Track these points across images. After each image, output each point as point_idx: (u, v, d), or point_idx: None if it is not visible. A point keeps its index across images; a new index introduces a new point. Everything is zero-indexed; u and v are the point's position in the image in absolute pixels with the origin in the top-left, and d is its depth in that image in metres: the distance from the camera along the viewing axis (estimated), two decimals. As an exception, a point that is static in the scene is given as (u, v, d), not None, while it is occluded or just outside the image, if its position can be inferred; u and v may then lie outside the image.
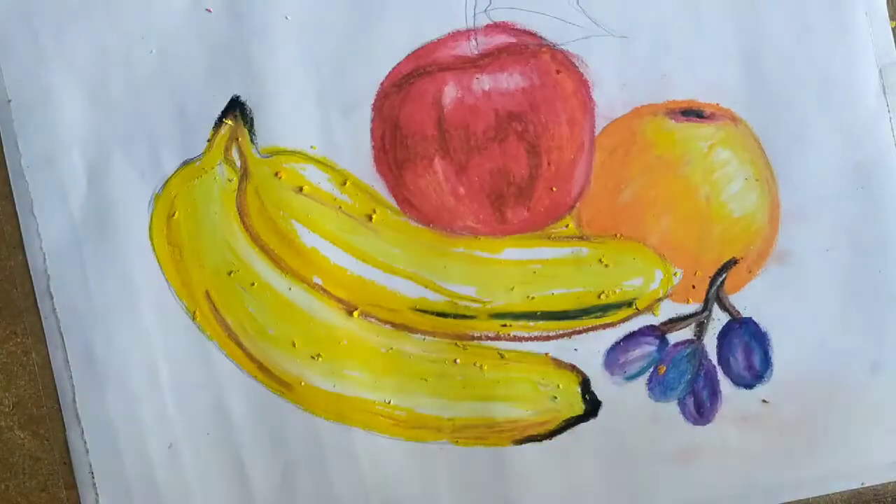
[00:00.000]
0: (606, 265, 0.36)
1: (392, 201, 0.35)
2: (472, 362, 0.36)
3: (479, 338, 0.36)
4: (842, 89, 0.36)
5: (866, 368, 0.36)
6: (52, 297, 0.35)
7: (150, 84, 0.35)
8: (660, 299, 0.36)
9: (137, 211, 0.35)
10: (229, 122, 0.35)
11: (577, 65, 0.35)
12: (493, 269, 0.36)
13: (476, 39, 0.35)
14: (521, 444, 0.36)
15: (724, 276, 0.36)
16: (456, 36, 0.35)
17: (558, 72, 0.35)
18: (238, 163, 0.35)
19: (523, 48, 0.35)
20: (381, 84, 0.35)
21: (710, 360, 0.36)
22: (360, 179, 0.35)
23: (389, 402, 0.35)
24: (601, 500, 0.36)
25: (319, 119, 0.35)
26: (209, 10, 0.35)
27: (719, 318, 0.36)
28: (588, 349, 0.36)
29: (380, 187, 0.35)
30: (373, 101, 0.35)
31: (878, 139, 0.36)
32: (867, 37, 0.36)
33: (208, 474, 0.35)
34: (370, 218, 0.35)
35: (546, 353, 0.36)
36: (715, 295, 0.36)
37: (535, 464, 0.36)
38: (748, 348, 0.36)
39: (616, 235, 0.36)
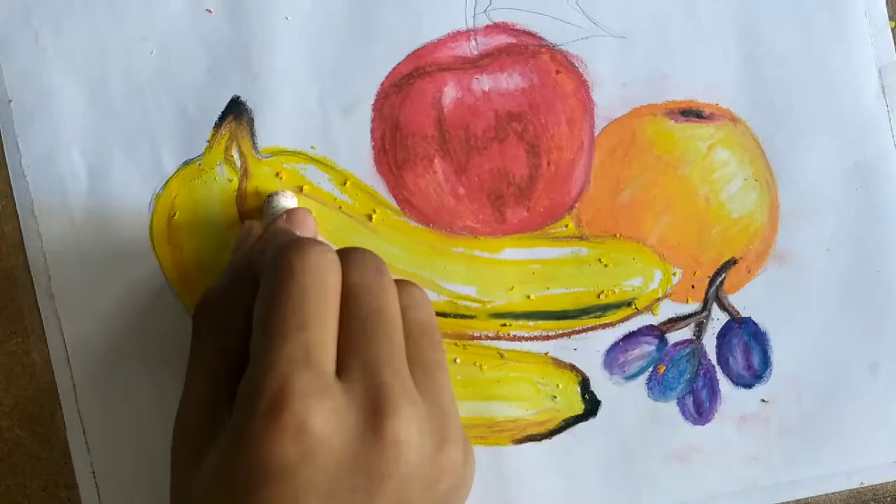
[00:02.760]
0: (606, 265, 0.36)
1: (392, 201, 0.35)
2: (472, 362, 0.36)
3: (479, 337, 0.36)
4: (841, 89, 0.36)
5: (866, 368, 0.36)
6: (52, 298, 0.35)
7: (150, 84, 0.35)
8: (659, 299, 0.36)
9: (138, 211, 0.35)
10: (229, 123, 0.35)
11: (576, 65, 0.35)
12: (492, 268, 0.36)
13: (476, 40, 0.35)
14: (521, 443, 0.36)
15: (723, 275, 0.36)
16: (456, 36, 0.35)
17: (558, 72, 0.35)
18: (238, 163, 0.35)
19: (523, 48, 0.35)
20: (381, 84, 0.35)
21: (709, 360, 0.36)
22: (360, 179, 0.35)
23: (389, 402, 0.35)
24: (601, 499, 0.36)
25: (319, 119, 0.35)
26: (209, 11, 0.35)
27: (718, 318, 0.36)
28: (587, 349, 0.36)
29: (380, 187, 0.35)
30: (373, 102, 0.35)
31: (878, 139, 0.36)
32: (867, 37, 0.36)
33: (208, 474, 0.35)
34: (370, 218, 0.35)
35: (546, 353, 0.36)
36: (714, 295, 0.36)
37: (535, 463, 0.36)
38: (747, 348, 0.36)
39: (615, 235, 0.36)
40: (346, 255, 0.28)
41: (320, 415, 0.24)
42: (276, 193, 0.34)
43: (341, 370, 0.26)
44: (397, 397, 0.25)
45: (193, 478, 0.26)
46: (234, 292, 0.30)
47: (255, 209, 0.35)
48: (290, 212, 0.33)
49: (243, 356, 0.28)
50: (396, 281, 0.29)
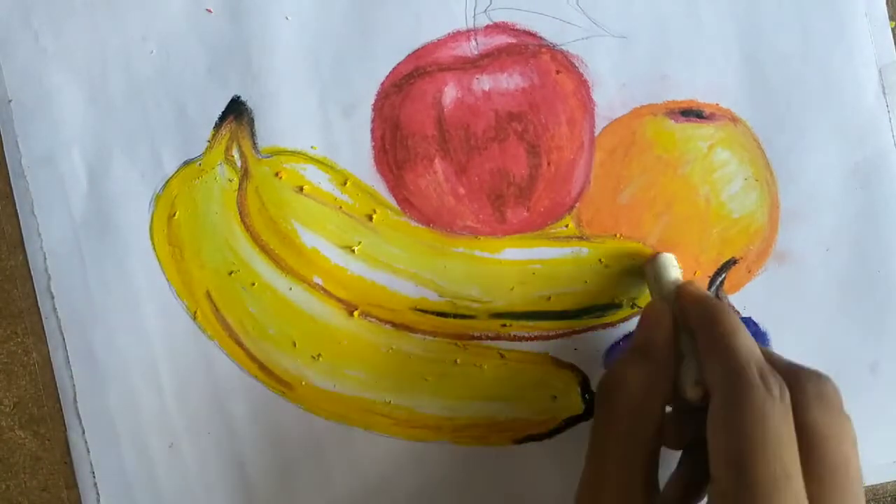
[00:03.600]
0: (606, 265, 0.36)
1: (392, 201, 0.35)
2: (473, 362, 0.36)
3: (480, 338, 0.36)
4: (842, 89, 0.36)
5: (866, 368, 0.36)
6: (52, 297, 0.35)
7: (150, 84, 0.35)
8: (659, 299, 0.36)
9: (138, 211, 0.35)
10: (230, 123, 0.35)
11: (576, 65, 0.35)
12: (493, 269, 0.36)
13: (476, 40, 0.35)
14: (521, 443, 0.36)
15: (723, 275, 0.36)
16: (456, 36, 0.35)
17: (558, 72, 0.35)
18: (238, 163, 0.35)
19: (523, 48, 0.35)
20: (381, 84, 0.35)
21: (709, 360, 0.36)
22: (361, 179, 0.35)
23: (389, 402, 0.36)
24: (601, 499, 0.36)
25: (319, 119, 0.35)
26: (209, 10, 0.35)
27: (719, 318, 0.36)
28: (588, 349, 0.36)
29: (380, 187, 0.35)
30: (373, 101, 0.35)
31: (878, 139, 0.36)
32: (867, 37, 0.36)
33: (208, 474, 0.35)
34: (370, 218, 0.35)
35: (546, 353, 0.36)
36: (714, 295, 0.36)
37: (536, 463, 0.36)
38: (748, 348, 0.36)
39: (615, 235, 0.36)
40: (805, 381, 0.28)
41: None
42: (660, 259, 0.34)
43: None
44: None
45: None
46: (651, 381, 0.30)
47: (255, 208, 0.35)
48: (708, 301, 0.31)
49: (655, 440, 0.29)
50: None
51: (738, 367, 0.27)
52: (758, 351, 0.29)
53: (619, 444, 0.29)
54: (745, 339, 0.29)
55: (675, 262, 0.34)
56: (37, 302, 0.35)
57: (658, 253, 0.35)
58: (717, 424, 0.27)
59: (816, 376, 0.28)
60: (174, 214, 0.35)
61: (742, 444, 0.26)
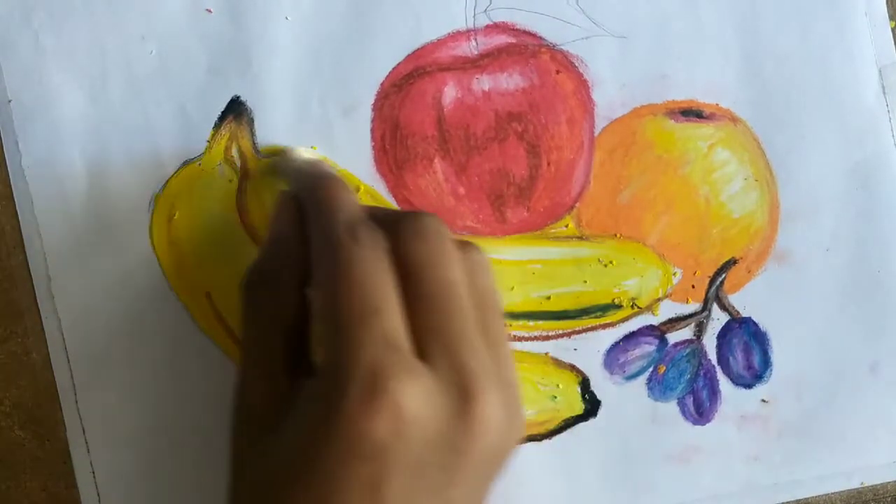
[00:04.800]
0: (606, 265, 0.36)
1: (392, 201, 0.35)
2: (472, 362, 0.36)
3: (479, 338, 0.36)
4: (841, 89, 0.36)
5: (866, 368, 0.36)
6: (52, 297, 0.35)
7: (150, 84, 0.35)
8: (659, 299, 0.36)
9: (137, 211, 0.35)
10: (229, 123, 0.35)
11: (576, 65, 0.35)
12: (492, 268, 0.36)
13: (476, 40, 0.35)
14: (521, 443, 0.36)
15: (723, 276, 0.36)
16: (456, 36, 0.35)
17: (558, 72, 0.35)
18: (238, 163, 0.35)
19: (523, 48, 0.35)
20: (381, 84, 0.35)
21: (709, 360, 0.36)
22: (361, 179, 0.35)
23: (389, 402, 0.35)
24: (601, 499, 0.36)
25: (319, 119, 0.35)
26: (209, 11, 0.35)
27: (719, 318, 0.36)
28: (588, 349, 0.36)
29: (380, 187, 0.35)
30: (373, 102, 0.35)
31: (878, 139, 0.36)
32: (867, 37, 0.36)
33: (208, 474, 0.35)
34: (370, 218, 0.35)
35: (546, 353, 0.36)
36: (714, 295, 0.36)
37: (535, 463, 0.36)
38: (748, 348, 0.36)
39: (615, 235, 0.36)
40: (402, 222, 0.28)
41: (413, 396, 0.25)
42: (292, 149, 0.34)
43: (421, 350, 0.26)
44: (481, 379, 0.26)
45: (263, 452, 0.27)
46: (280, 263, 0.30)
47: (255, 208, 0.35)
48: (310, 173, 0.32)
49: (295, 324, 0.29)
50: (457, 242, 0.29)
51: (325, 227, 0.28)
52: (353, 209, 0.29)
53: (262, 333, 0.29)
54: (340, 201, 0.29)
55: (307, 149, 0.34)
56: (37, 302, 0.35)
57: (291, 148, 0.35)
58: (314, 285, 0.28)
59: (415, 215, 0.29)
60: (174, 214, 0.35)
61: (328, 294, 0.26)
